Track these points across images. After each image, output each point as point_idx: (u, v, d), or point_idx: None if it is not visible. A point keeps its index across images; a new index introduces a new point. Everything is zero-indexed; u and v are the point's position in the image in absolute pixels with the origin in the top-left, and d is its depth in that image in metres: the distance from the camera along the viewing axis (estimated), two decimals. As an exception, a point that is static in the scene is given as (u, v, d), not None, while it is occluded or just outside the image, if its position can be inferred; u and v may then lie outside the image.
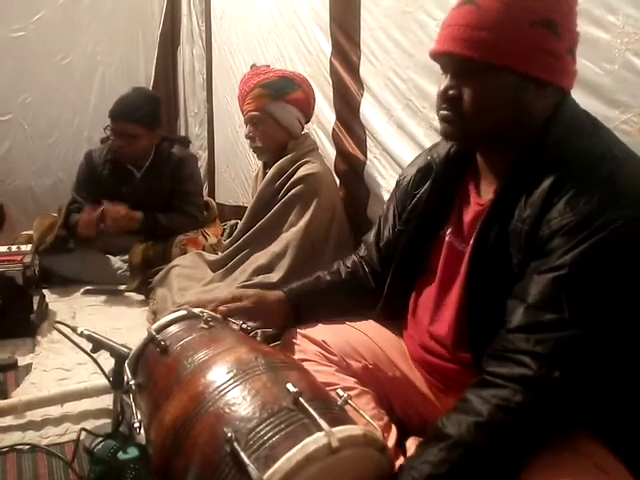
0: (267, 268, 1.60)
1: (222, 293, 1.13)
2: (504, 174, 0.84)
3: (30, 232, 2.24)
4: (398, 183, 1.08)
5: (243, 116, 1.77)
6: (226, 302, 1.04)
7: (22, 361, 1.55)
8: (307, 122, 1.79)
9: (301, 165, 1.67)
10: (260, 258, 1.65)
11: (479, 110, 0.81)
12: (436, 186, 0.97)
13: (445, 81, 0.84)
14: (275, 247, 1.63)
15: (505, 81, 0.79)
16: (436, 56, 0.85)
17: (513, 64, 0.77)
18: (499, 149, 0.86)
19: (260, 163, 1.89)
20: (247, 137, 1.77)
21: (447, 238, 0.94)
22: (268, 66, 1.79)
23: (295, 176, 1.66)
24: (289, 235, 1.62)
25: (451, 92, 0.82)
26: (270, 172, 1.74)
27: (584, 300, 0.71)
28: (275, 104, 1.69)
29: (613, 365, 0.72)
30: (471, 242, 0.86)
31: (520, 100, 0.80)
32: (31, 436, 1.23)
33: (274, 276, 1.56)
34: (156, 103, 2.24)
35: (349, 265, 1.15)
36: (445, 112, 0.84)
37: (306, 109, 1.75)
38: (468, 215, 0.91)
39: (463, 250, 0.90)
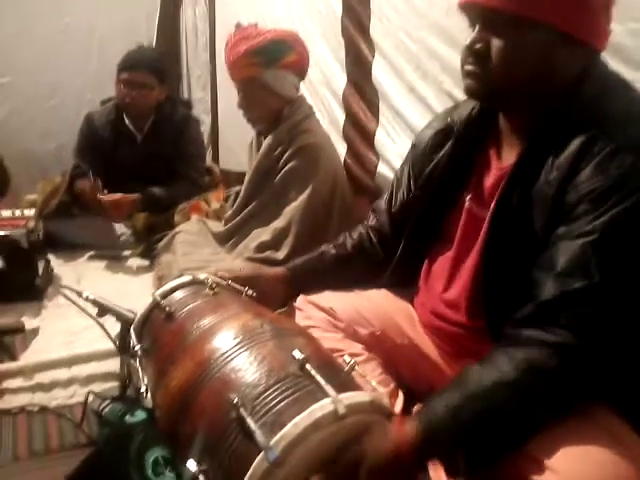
0: (271, 245, 1.57)
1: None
2: (527, 137, 0.81)
3: (34, 196, 2.23)
4: (414, 146, 1.04)
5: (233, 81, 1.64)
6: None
7: (29, 325, 1.56)
8: (302, 80, 1.66)
9: (298, 135, 1.60)
10: (263, 234, 1.61)
11: (507, 66, 0.76)
12: (457, 149, 0.93)
13: (472, 34, 0.78)
14: (278, 223, 1.59)
15: (537, 36, 0.74)
16: (465, 6, 0.79)
17: (547, 18, 0.72)
18: (524, 109, 0.82)
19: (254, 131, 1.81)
20: (239, 107, 1.65)
21: (466, 204, 0.91)
22: (256, 25, 1.59)
23: (292, 147, 1.59)
24: (291, 210, 1.57)
25: (478, 45, 0.77)
26: (266, 144, 1.65)
27: (615, 266, 0.69)
28: (268, 72, 1.55)
29: (638, 332, 0.70)
30: (492, 206, 0.83)
31: (551, 57, 0.75)
32: (40, 398, 1.25)
33: (280, 254, 1.54)
34: (164, 57, 2.29)
35: (355, 237, 1.13)
36: (470, 67, 0.79)
37: (301, 71, 1.62)
38: (489, 180, 0.88)
39: (483, 216, 0.87)
